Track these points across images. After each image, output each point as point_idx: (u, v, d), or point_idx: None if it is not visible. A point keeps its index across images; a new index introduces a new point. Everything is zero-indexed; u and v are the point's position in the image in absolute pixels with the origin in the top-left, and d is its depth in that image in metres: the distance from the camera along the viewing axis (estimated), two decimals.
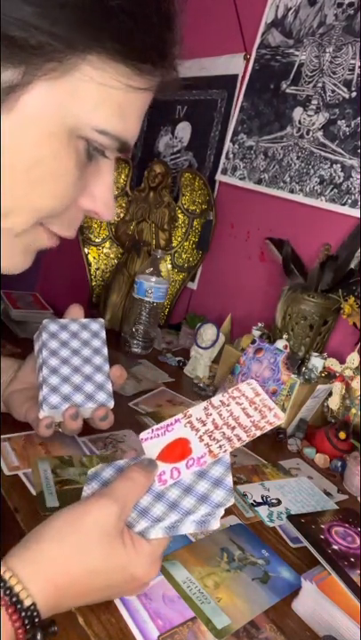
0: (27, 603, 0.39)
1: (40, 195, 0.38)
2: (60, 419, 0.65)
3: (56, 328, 0.70)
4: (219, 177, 1.39)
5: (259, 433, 0.50)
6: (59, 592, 0.42)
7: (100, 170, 0.42)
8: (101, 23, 0.33)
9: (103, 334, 0.71)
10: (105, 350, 0.70)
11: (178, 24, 0.37)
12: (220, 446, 0.50)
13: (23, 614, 0.39)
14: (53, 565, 0.42)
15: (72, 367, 0.67)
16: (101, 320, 0.73)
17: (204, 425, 0.52)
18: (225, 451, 0.49)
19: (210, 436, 0.51)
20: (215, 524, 0.48)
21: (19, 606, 0.39)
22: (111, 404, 0.66)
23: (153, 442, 0.53)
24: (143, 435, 0.54)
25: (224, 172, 1.38)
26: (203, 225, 1.41)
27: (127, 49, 0.35)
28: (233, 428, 0.51)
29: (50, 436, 0.67)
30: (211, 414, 0.53)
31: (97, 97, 0.35)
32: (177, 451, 0.51)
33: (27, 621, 0.39)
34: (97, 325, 0.72)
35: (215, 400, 0.54)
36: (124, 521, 0.46)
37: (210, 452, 0.50)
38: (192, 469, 0.50)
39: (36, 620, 0.40)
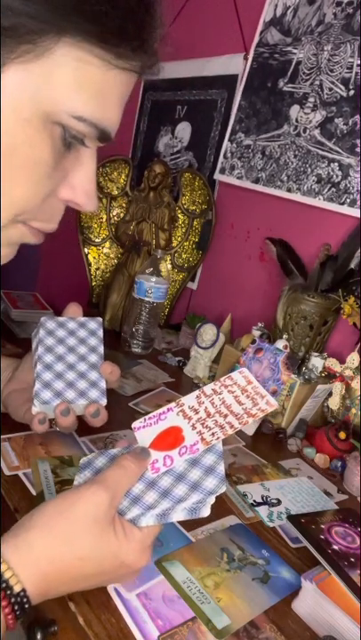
0: (17, 589, 0.39)
1: (15, 185, 0.36)
2: (53, 415, 0.65)
3: (53, 325, 0.70)
4: (217, 176, 1.39)
5: (251, 420, 0.50)
6: (48, 579, 0.42)
7: (80, 159, 0.40)
8: (76, 4, 0.32)
9: (100, 333, 0.71)
10: (101, 349, 0.70)
11: (158, 9, 0.37)
12: (213, 434, 0.50)
13: (13, 600, 0.39)
14: (43, 553, 0.42)
15: (66, 364, 0.67)
16: (99, 319, 0.73)
17: (197, 413, 0.52)
18: (217, 438, 0.50)
19: (202, 424, 0.51)
20: (206, 512, 0.48)
21: (8, 592, 0.39)
22: (103, 401, 0.66)
23: (146, 430, 0.53)
24: (135, 424, 0.54)
25: (222, 171, 1.37)
26: (203, 225, 1.41)
27: (103, 31, 0.34)
28: (225, 416, 0.51)
29: (45, 433, 0.67)
30: (203, 402, 0.53)
31: (73, 81, 0.35)
32: (169, 439, 0.52)
33: (16, 607, 0.39)
34: (95, 324, 0.72)
35: (207, 388, 0.54)
36: (115, 508, 0.46)
37: (202, 439, 0.50)
38: (185, 457, 0.50)
39: (26, 605, 0.40)
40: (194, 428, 0.51)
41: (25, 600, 0.40)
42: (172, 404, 0.54)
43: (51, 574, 0.42)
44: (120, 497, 0.47)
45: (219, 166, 1.38)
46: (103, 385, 0.67)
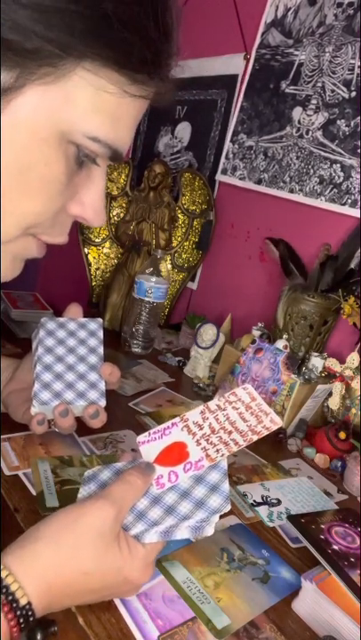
0: (22, 602, 0.40)
1: (27, 200, 0.37)
2: (52, 416, 0.65)
3: (53, 326, 0.70)
4: (219, 177, 1.39)
5: (256, 438, 0.50)
6: (52, 592, 0.42)
7: (90, 177, 0.41)
8: (97, 30, 0.33)
9: (100, 334, 0.71)
10: (101, 350, 0.70)
11: (176, 36, 0.37)
12: (218, 450, 0.50)
13: (18, 613, 0.39)
14: (48, 566, 0.42)
15: (66, 365, 0.67)
16: (100, 320, 0.73)
17: (201, 429, 0.52)
18: (222, 455, 0.50)
19: (207, 440, 0.51)
20: (209, 531, 0.48)
21: (14, 605, 0.39)
22: (103, 402, 0.66)
23: (150, 445, 0.53)
24: (140, 438, 0.54)
25: (224, 171, 1.38)
26: (203, 225, 1.41)
27: (122, 57, 0.35)
28: (230, 433, 0.51)
29: (45, 433, 0.66)
30: (207, 418, 0.53)
31: (90, 104, 0.35)
32: (174, 454, 0.52)
33: (21, 620, 0.39)
34: (95, 325, 0.72)
35: (212, 404, 0.54)
36: (121, 523, 0.46)
37: (207, 455, 0.50)
38: (189, 473, 0.50)
39: (31, 619, 0.40)
40: (198, 443, 0.51)
41: (30, 613, 0.40)
42: (177, 419, 0.54)
43: (55, 587, 0.42)
44: (125, 512, 0.47)
45: (220, 167, 1.38)
46: (102, 386, 0.67)
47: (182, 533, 0.48)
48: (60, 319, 0.71)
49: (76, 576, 0.43)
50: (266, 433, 0.50)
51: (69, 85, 0.34)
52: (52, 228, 0.42)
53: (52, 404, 0.64)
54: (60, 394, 0.65)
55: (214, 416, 0.53)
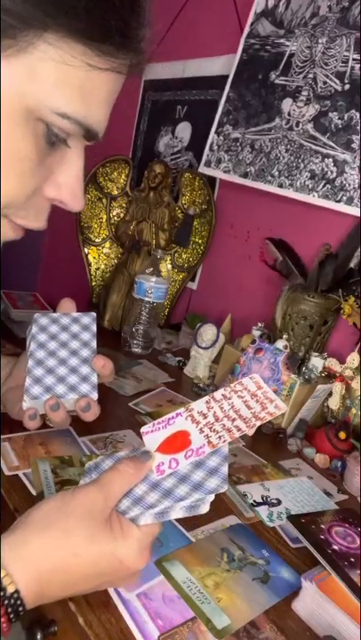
0: (10, 589, 0.38)
1: None
2: (43, 410, 0.65)
3: (46, 321, 0.70)
4: (202, 169, 1.34)
5: (259, 423, 0.50)
6: (43, 579, 0.41)
7: (66, 157, 0.40)
8: (59, 0, 0.32)
9: (94, 328, 0.71)
10: (94, 343, 0.69)
11: (145, 6, 0.36)
12: (220, 437, 0.50)
13: (6, 602, 0.38)
14: (37, 550, 0.41)
15: (58, 359, 0.67)
16: (93, 314, 0.72)
17: (205, 418, 0.52)
18: (224, 441, 0.50)
19: (210, 428, 0.51)
20: (204, 509, 0.48)
21: (1, 593, 0.38)
22: (94, 395, 0.65)
23: (154, 435, 0.54)
24: (144, 428, 0.55)
25: (207, 164, 1.33)
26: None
27: (85, 27, 0.33)
28: (233, 420, 0.51)
29: (45, 433, 0.66)
30: (212, 407, 0.53)
31: (56, 77, 0.34)
32: (177, 442, 0.52)
33: (10, 610, 0.38)
34: (88, 319, 0.71)
35: (217, 394, 0.54)
36: (110, 508, 0.46)
37: (209, 442, 0.50)
38: (190, 460, 0.50)
39: (20, 609, 0.39)
40: (201, 431, 0.51)
41: (19, 602, 0.39)
42: (182, 409, 0.54)
43: (45, 573, 0.41)
44: (114, 497, 0.47)
45: (204, 159, 1.34)
46: (94, 379, 0.66)
47: (177, 513, 0.48)
48: (53, 314, 0.71)
49: (67, 558, 0.42)
50: (269, 418, 0.50)
51: (33, 59, 0.33)
52: (26, 211, 0.41)
53: (43, 399, 0.63)
54: (51, 388, 0.64)
55: (219, 405, 0.53)
